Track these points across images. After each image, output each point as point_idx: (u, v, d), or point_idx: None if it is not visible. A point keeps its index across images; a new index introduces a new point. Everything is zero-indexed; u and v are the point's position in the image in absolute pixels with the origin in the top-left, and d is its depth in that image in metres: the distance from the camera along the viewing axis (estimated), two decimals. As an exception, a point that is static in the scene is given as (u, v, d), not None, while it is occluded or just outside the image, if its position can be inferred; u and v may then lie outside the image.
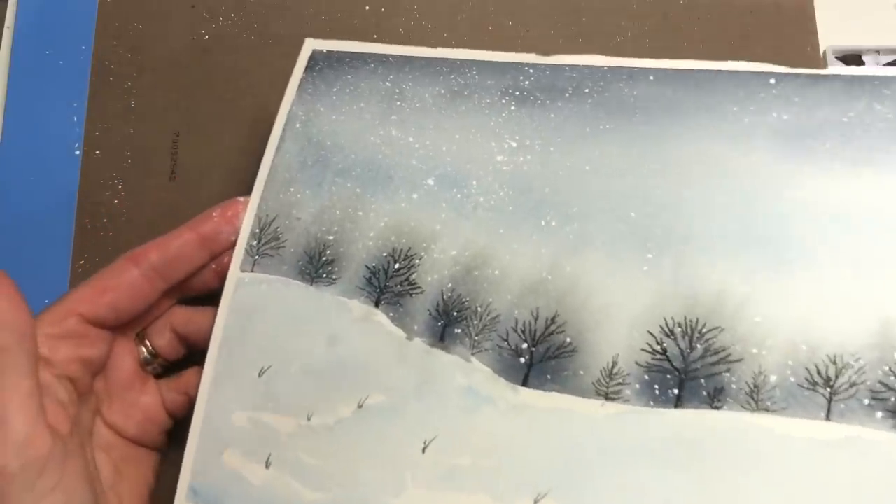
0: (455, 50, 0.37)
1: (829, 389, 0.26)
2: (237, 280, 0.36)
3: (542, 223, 0.32)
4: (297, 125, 0.37)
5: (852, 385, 0.26)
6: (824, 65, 0.44)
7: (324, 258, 0.35)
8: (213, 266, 0.37)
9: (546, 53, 0.35)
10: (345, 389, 0.33)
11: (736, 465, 0.27)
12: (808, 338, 0.27)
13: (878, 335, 0.26)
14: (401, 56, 0.37)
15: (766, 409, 0.27)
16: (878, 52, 0.48)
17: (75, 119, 0.46)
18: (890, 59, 0.46)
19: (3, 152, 0.46)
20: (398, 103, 0.36)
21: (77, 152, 0.45)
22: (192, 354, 0.38)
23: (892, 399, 0.25)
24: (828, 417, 0.26)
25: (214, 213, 0.37)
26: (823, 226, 0.28)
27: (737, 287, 0.28)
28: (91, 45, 0.47)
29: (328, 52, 0.39)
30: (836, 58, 0.46)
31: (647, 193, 0.30)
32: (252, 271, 0.36)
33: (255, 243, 0.36)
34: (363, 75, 0.37)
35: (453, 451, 0.31)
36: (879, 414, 0.25)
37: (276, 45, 0.46)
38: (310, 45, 0.39)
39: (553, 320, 0.30)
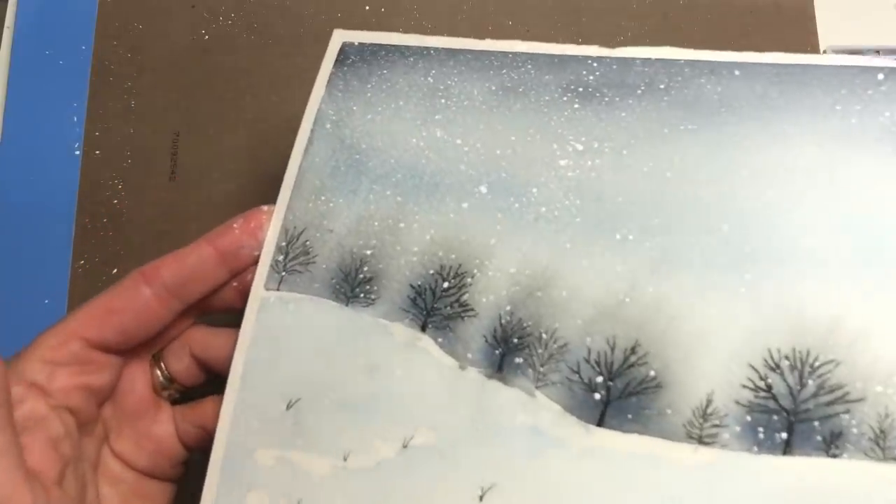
0: (507, 42, 0.33)
1: (975, 434, 0.22)
2: (262, 300, 0.32)
3: (618, 237, 0.28)
4: (328, 125, 0.33)
5: None
6: None
7: (361, 275, 0.31)
8: (235, 284, 0.33)
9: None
10: (387, 426, 0.29)
11: None
12: None
13: None
14: (444, 49, 0.33)
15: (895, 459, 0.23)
16: (878, 52, 0.48)
17: (75, 119, 0.45)
18: (890, 58, 0.45)
19: (3, 152, 0.45)
20: (443, 101, 0.32)
21: (77, 152, 0.45)
22: (213, 380, 0.34)
23: None
24: (976, 467, 0.22)
25: (235, 225, 0.33)
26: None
27: (854, 313, 0.24)
28: (91, 45, 0.47)
29: (360, 44, 0.35)
30: None
31: (741, 204, 0.26)
32: (278, 290, 0.32)
33: (281, 258, 0.32)
34: (401, 70, 0.33)
35: (516, 502, 0.27)
36: None
37: (276, 45, 0.46)
38: (339, 37, 0.35)
39: (634, 350, 0.26)
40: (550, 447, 0.27)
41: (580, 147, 0.29)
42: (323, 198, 0.33)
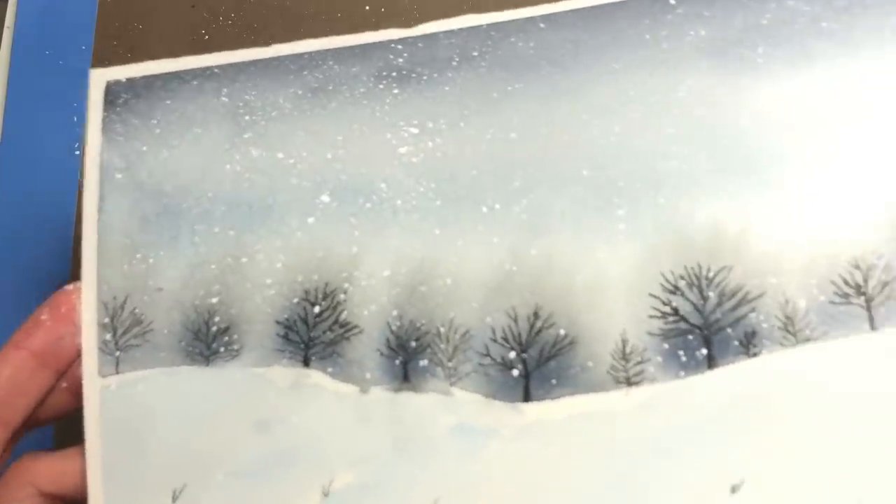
0: (295, 43, 0.30)
1: (863, 297, 0.24)
2: (101, 390, 0.27)
3: (484, 209, 0.27)
4: (118, 175, 0.29)
5: (885, 285, 0.24)
6: None
7: (214, 328, 0.27)
8: (65, 385, 0.27)
9: (408, 25, 0.30)
10: (299, 481, 0.26)
11: (793, 409, 0.24)
12: (823, 249, 0.25)
13: (889, 226, 0.25)
14: (228, 65, 0.30)
15: (808, 339, 0.24)
16: None
17: (75, 119, 0.45)
18: None
19: (3, 152, 0.45)
20: (247, 118, 0.29)
21: (77, 152, 0.45)
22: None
23: (932, 285, 0.24)
24: (872, 327, 0.24)
25: (44, 316, 0.27)
26: (793, 131, 0.26)
27: (729, 218, 0.25)
28: (91, 45, 0.47)
29: (128, 79, 0.30)
30: None
31: (592, 146, 0.27)
32: (118, 373, 0.27)
33: (109, 337, 0.27)
34: (187, 96, 0.30)
35: (467, 506, 0.25)
36: (925, 305, 0.24)
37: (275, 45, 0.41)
38: (100, 77, 0.30)
39: (537, 315, 0.26)
40: (483, 439, 0.25)
41: (415, 130, 0.28)
42: (138, 256, 0.28)
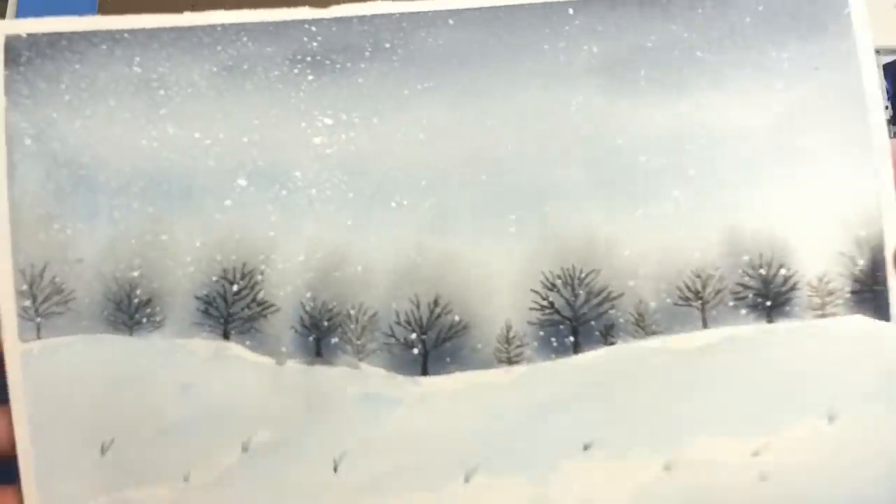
0: (207, 13, 0.30)
1: (700, 301, 0.30)
2: (22, 354, 0.29)
3: (393, 205, 0.30)
4: (28, 141, 0.29)
5: (717, 292, 0.30)
6: None
7: (136, 300, 0.29)
8: None
9: (323, 5, 0.31)
10: (221, 437, 0.29)
11: (639, 387, 0.30)
12: (673, 260, 0.30)
13: (727, 244, 0.30)
14: (140, 30, 0.30)
15: (654, 333, 0.30)
16: (878, 52, 0.49)
17: None
18: (890, 58, 0.49)
19: None
20: (161, 93, 0.30)
21: None
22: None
23: (750, 295, 0.30)
24: (705, 325, 0.30)
25: None
26: (661, 155, 0.30)
27: (601, 228, 0.30)
28: None
29: (30, 35, 0.30)
30: None
31: (491, 153, 0.30)
32: (39, 339, 0.29)
33: (29, 303, 0.29)
34: (97, 62, 0.30)
35: (369, 462, 0.29)
36: (743, 311, 0.30)
37: None
38: (0, 30, 0.30)
39: (436, 303, 0.30)
40: (385, 406, 0.30)
41: (329, 121, 0.30)
42: (56, 226, 0.29)
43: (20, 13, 0.46)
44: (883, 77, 0.49)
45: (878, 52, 0.44)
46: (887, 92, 0.50)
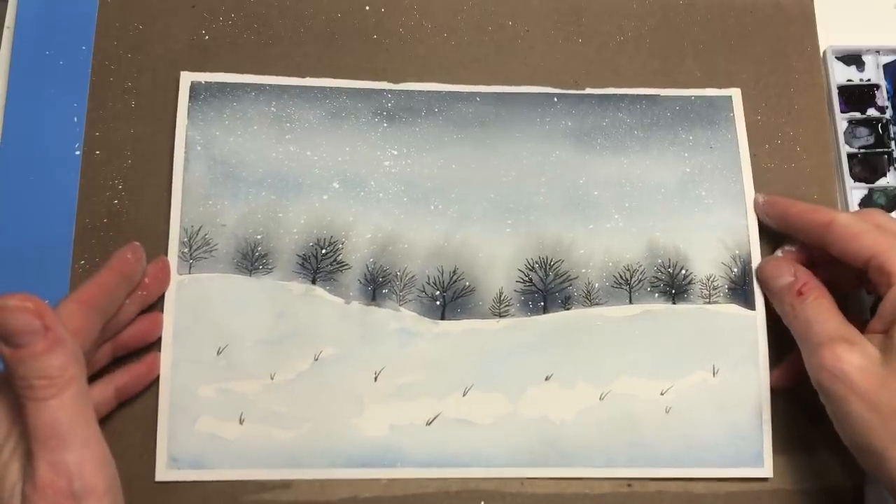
0: (322, 80, 0.48)
1: (628, 286, 0.46)
2: (177, 282, 0.44)
3: (432, 207, 0.46)
4: (198, 148, 0.46)
5: (640, 281, 0.46)
6: (825, 64, 0.52)
7: (257, 253, 0.45)
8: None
9: (396, 81, 0.48)
10: (300, 350, 0.44)
11: (585, 339, 0.45)
12: (612, 258, 0.46)
13: (647, 251, 0.46)
14: (276, 85, 0.47)
15: (597, 304, 0.46)
16: (878, 52, 0.52)
17: (75, 119, 0.47)
18: (890, 58, 0.52)
19: (3, 152, 0.47)
20: (287, 125, 0.47)
21: (77, 152, 0.47)
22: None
23: (661, 285, 0.46)
24: (630, 301, 0.46)
25: (128, 255, 0.43)
26: (608, 191, 0.47)
27: (565, 234, 0.47)
28: (91, 45, 0.48)
29: (206, 83, 0.47)
30: (837, 58, 0.52)
31: (497, 181, 0.47)
32: (190, 273, 0.44)
33: (186, 250, 0.45)
34: (248, 102, 0.47)
35: (398, 375, 0.44)
36: (656, 294, 0.46)
37: (276, 45, 0.50)
38: (187, 78, 0.47)
39: (454, 273, 0.45)
40: (414, 338, 0.45)
41: (395, 153, 0.47)
42: (210, 202, 0.45)
43: (20, 12, 0.49)
44: (883, 77, 0.52)
45: (878, 52, 0.52)
46: (888, 92, 0.52)
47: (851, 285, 0.45)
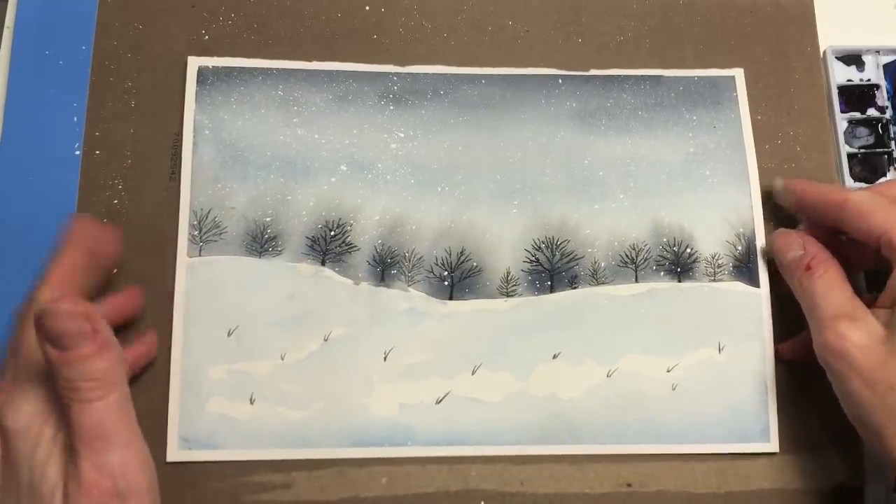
0: (329, 63, 0.49)
1: (634, 265, 0.47)
2: (187, 265, 0.45)
3: (439, 189, 0.47)
4: (207, 132, 0.47)
5: (645, 260, 0.47)
6: (825, 64, 0.52)
7: (266, 235, 0.46)
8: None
9: (402, 64, 0.49)
10: (310, 330, 0.45)
11: (592, 317, 0.46)
12: (618, 237, 0.47)
13: (652, 230, 0.47)
14: (283, 69, 0.48)
15: (604, 283, 0.47)
16: (878, 51, 0.52)
17: (75, 119, 0.48)
18: (890, 58, 0.52)
19: (3, 152, 0.48)
20: (295, 108, 0.48)
21: (77, 152, 0.48)
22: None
23: (666, 264, 0.47)
24: (636, 280, 0.46)
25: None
26: (613, 172, 0.48)
27: (571, 214, 0.47)
28: (91, 45, 0.49)
29: (213, 67, 0.48)
30: (837, 58, 0.52)
31: (503, 162, 0.48)
32: (200, 255, 0.45)
33: (196, 233, 0.45)
34: (255, 86, 0.48)
35: (408, 354, 0.45)
36: (662, 273, 0.47)
37: (276, 45, 0.50)
38: (195, 63, 0.48)
39: (462, 253, 0.46)
40: (423, 318, 0.46)
41: (402, 135, 0.48)
42: (219, 185, 0.46)
43: (20, 12, 0.50)
44: (883, 77, 0.52)
45: (878, 52, 0.52)
46: (888, 92, 0.52)
47: (871, 263, 0.45)
